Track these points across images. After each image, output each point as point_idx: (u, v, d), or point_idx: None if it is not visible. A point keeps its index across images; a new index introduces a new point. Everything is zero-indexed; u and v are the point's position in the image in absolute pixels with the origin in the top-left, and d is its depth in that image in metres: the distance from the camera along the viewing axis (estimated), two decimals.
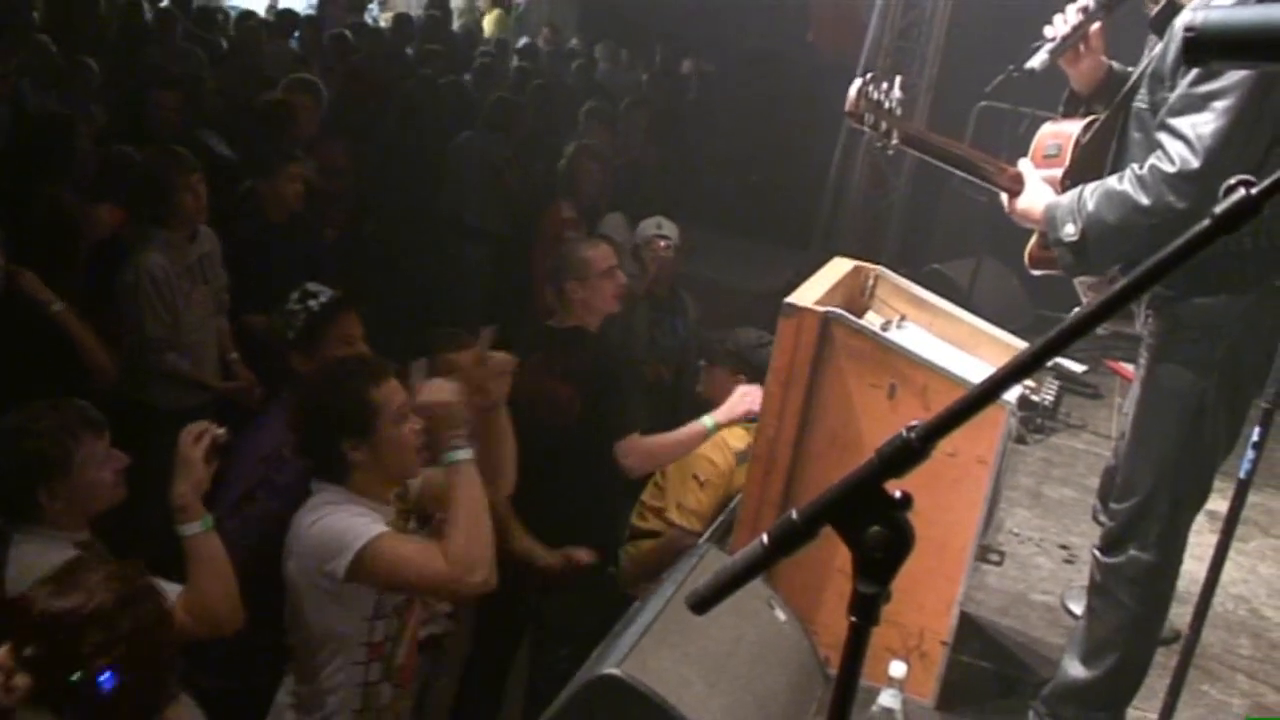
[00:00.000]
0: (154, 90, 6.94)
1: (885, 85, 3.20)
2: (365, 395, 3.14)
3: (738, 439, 4.49)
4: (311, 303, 3.92)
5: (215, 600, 2.96)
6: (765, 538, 1.33)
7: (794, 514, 1.32)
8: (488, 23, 15.45)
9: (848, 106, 3.19)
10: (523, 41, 13.80)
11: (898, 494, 1.28)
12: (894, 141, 3.22)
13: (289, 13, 11.55)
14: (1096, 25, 3.26)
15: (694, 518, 4.49)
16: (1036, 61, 3.22)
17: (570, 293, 4.43)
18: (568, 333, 4.42)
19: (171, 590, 2.87)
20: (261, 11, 12.56)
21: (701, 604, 1.37)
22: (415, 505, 3.53)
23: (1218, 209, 1.20)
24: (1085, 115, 3.31)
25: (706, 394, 4.79)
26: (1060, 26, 3.23)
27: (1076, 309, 1.34)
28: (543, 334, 4.56)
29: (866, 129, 3.21)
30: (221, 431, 3.03)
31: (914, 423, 1.25)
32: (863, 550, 1.28)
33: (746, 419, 4.24)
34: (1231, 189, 1.20)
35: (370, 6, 14.93)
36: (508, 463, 3.71)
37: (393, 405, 3.17)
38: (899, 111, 3.22)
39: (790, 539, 1.32)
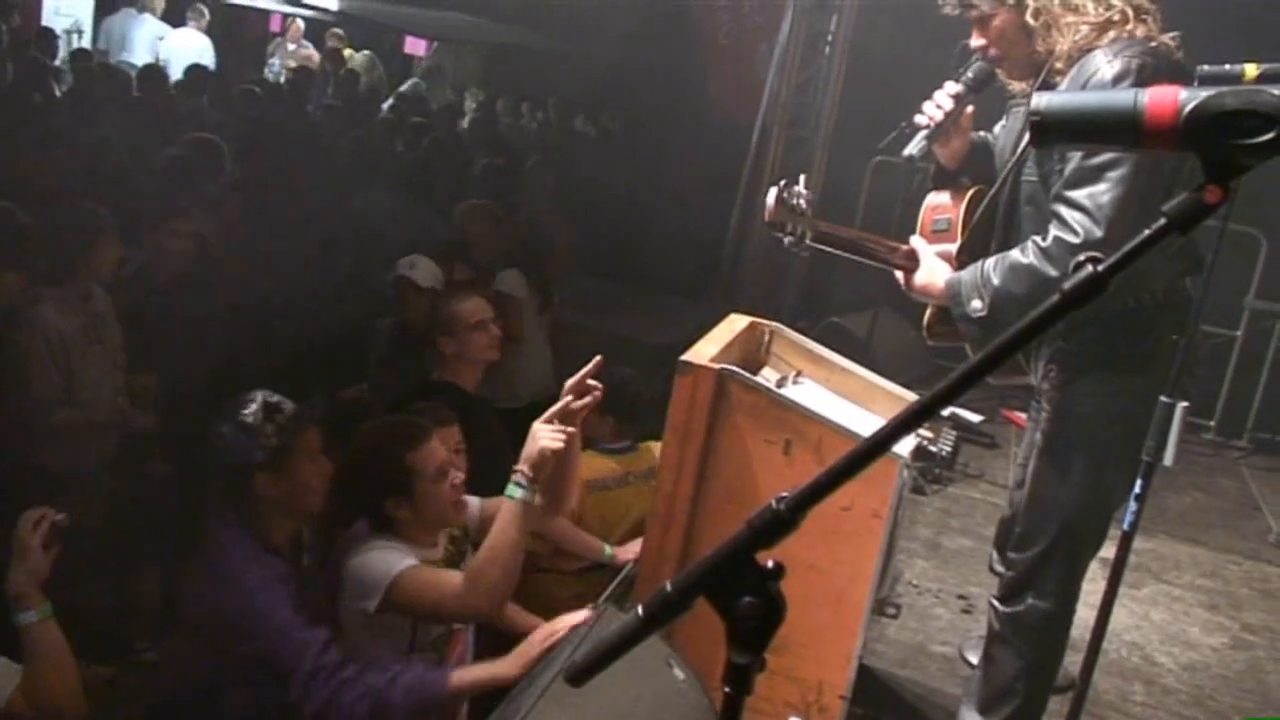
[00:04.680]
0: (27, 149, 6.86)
1: (795, 189, 3.27)
2: (403, 459, 3.32)
3: (591, 471, 4.46)
4: (279, 417, 3.32)
5: (55, 690, 2.80)
6: (640, 609, 1.33)
7: (668, 585, 1.32)
8: (359, 66, 14.93)
9: (768, 216, 3.29)
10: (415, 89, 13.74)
11: (770, 564, 1.29)
12: (808, 241, 3.29)
13: (199, 68, 11.27)
14: (969, 109, 3.36)
15: None
16: (914, 148, 3.33)
17: (442, 347, 4.67)
18: (441, 385, 4.61)
19: (11, 669, 2.77)
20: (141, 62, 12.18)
21: (578, 676, 1.36)
22: (476, 536, 3.56)
23: (1066, 285, 1.24)
24: (957, 187, 3.41)
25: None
26: (933, 112, 3.32)
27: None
28: (421, 386, 4.72)
29: (788, 237, 3.27)
30: (61, 517, 2.89)
31: (783, 493, 1.26)
32: (735, 620, 1.28)
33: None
34: (1080, 265, 1.24)
35: (271, 62, 14.80)
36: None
37: (431, 466, 3.35)
38: (809, 212, 3.30)
39: (665, 610, 1.32)
